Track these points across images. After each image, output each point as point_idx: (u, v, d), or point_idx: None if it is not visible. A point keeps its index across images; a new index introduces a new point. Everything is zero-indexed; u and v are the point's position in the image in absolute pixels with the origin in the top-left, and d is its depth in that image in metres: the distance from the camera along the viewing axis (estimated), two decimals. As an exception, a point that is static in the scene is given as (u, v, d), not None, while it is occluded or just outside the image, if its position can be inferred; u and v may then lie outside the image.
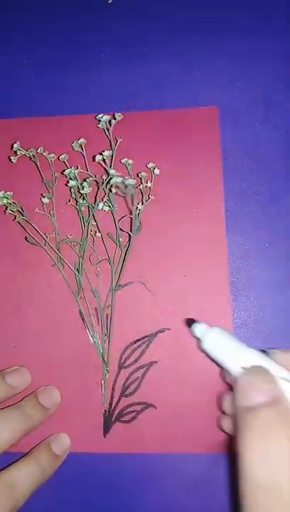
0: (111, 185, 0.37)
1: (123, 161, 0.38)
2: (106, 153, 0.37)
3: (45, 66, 0.43)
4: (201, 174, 0.40)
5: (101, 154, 0.37)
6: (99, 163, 0.37)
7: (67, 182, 0.38)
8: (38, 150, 0.40)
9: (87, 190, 0.37)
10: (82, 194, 0.38)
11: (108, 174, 0.37)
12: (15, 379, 0.38)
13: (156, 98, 0.42)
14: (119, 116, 0.38)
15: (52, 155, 0.40)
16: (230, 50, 0.42)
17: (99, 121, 0.39)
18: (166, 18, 0.43)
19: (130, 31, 0.43)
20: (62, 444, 0.39)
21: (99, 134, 0.40)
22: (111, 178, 0.37)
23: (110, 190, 0.37)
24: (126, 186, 0.37)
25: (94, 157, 0.38)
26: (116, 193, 0.37)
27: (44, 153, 0.40)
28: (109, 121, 0.38)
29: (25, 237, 0.40)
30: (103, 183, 0.38)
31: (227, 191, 0.40)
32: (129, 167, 0.38)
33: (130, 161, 0.38)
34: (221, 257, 0.40)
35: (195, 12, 0.43)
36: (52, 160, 0.40)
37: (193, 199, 0.40)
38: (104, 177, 0.38)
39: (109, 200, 0.37)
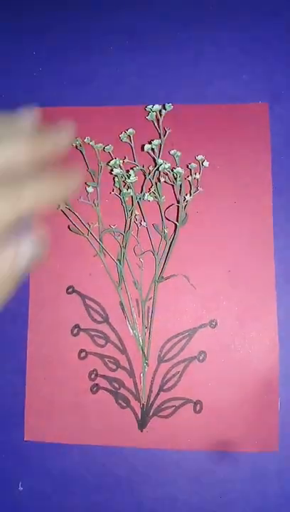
0: (159, 175, 0.37)
1: (171, 152, 0.38)
2: (156, 141, 0.36)
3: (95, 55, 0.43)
4: (250, 169, 0.40)
5: (150, 143, 0.37)
6: (147, 152, 0.37)
7: (112, 170, 0.37)
8: (85, 139, 0.40)
9: (133, 179, 0.37)
10: (126, 183, 0.38)
11: (155, 164, 0.37)
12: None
13: (205, 91, 0.41)
14: (169, 106, 0.38)
15: (99, 145, 0.39)
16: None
17: (149, 112, 0.38)
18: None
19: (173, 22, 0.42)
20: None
21: (146, 126, 0.40)
22: (159, 167, 0.36)
23: (158, 179, 0.37)
24: (174, 175, 0.36)
25: (142, 146, 0.38)
26: (164, 181, 0.37)
27: (90, 143, 0.39)
28: (160, 111, 0.38)
29: (68, 226, 0.39)
30: (150, 173, 0.37)
31: (275, 186, 0.39)
32: (177, 158, 0.38)
33: (178, 153, 0.38)
34: (267, 252, 0.39)
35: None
36: (99, 150, 0.40)
37: (241, 193, 0.40)
38: (151, 167, 0.38)
39: (157, 190, 0.37)
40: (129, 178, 0.37)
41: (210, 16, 0.42)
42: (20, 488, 0.38)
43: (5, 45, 0.43)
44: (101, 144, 0.40)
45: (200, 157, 0.38)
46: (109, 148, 0.39)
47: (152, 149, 0.37)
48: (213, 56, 0.41)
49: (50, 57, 0.43)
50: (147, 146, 0.37)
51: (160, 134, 0.38)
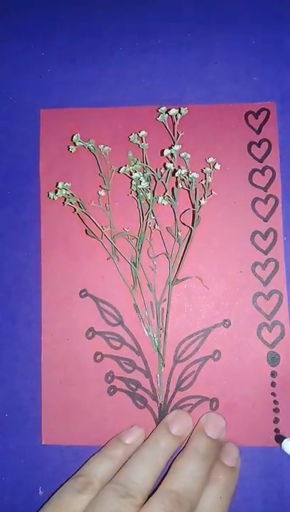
0: (177, 180, 0.37)
1: (182, 154, 0.38)
2: (176, 147, 0.36)
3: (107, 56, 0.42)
4: (258, 169, 0.40)
5: (170, 148, 0.37)
6: (167, 157, 0.37)
7: (130, 173, 0.37)
8: (89, 141, 0.39)
9: (144, 185, 0.37)
10: (140, 188, 0.38)
11: (165, 168, 0.37)
12: (178, 428, 0.37)
13: (209, 92, 0.41)
14: (185, 110, 0.38)
15: (106, 148, 0.39)
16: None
17: (160, 114, 0.38)
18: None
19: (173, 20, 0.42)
20: (232, 453, 0.37)
21: (156, 127, 0.40)
22: (172, 171, 0.36)
23: (176, 184, 0.37)
24: (189, 180, 0.37)
25: (162, 151, 0.38)
26: (182, 187, 0.37)
27: (100, 146, 0.39)
28: (175, 115, 0.38)
29: (86, 231, 0.39)
30: (161, 176, 0.37)
31: (285, 188, 0.40)
32: (187, 160, 0.38)
33: (188, 155, 0.38)
34: (278, 252, 0.40)
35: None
36: (107, 153, 0.39)
37: (251, 193, 0.40)
38: (163, 171, 0.38)
39: (172, 194, 0.37)
40: (140, 183, 0.37)
41: (220, 16, 0.41)
42: (41, 493, 0.39)
43: (13, 46, 0.42)
44: (108, 147, 0.39)
45: (211, 159, 0.39)
46: (107, 149, 0.39)
47: (171, 154, 0.37)
48: (223, 56, 0.41)
49: (59, 59, 0.42)
50: (167, 152, 0.37)
51: (173, 138, 0.39)
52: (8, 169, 0.41)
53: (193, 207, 0.38)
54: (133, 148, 0.39)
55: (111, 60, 0.42)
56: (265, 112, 0.41)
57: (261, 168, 0.40)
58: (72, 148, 0.39)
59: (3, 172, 0.41)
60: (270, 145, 0.41)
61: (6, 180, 0.41)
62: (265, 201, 0.40)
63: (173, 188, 0.37)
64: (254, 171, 0.40)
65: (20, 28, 0.42)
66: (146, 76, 0.41)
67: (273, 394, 0.39)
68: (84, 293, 0.40)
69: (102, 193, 0.39)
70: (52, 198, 0.39)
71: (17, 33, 0.42)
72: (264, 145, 0.41)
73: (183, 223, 0.39)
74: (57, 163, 0.41)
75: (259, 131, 0.41)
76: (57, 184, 0.38)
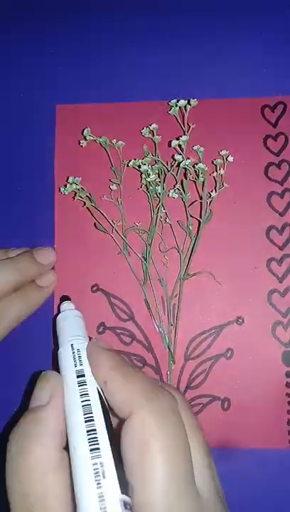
0: (185, 172, 0.36)
1: (195, 147, 0.37)
2: (183, 138, 0.36)
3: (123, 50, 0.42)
4: (275, 163, 0.39)
5: (177, 139, 0.36)
6: (174, 148, 0.37)
7: (139, 167, 0.37)
8: (101, 138, 0.39)
9: (152, 177, 0.37)
10: (149, 182, 0.37)
11: (174, 160, 0.37)
12: (43, 257, 0.38)
13: (223, 84, 0.41)
14: (194, 102, 0.37)
15: (120, 142, 0.39)
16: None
17: (171, 107, 0.38)
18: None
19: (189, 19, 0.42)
20: (48, 277, 0.39)
21: (167, 121, 0.39)
22: (180, 163, 0.36)
23: (185, 176, 0.37)
24: (196, 171, 0.36)
25: (169, 142, 0.37)
26: (190, 180, 0.36)
27: (113, 141, 0.39)
28: (185, 106, 0.37)
29: (95, 224, 0.39)
30: (172, 168, 0.37)
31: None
32: (200, 154, 0.37)
33: (201, 148, 0.37)
34: (293, 248, 0.38)
35: None
36: (121, 147, 0.39)
37: (266, 188, 0.39)
38: (174, 163, 0.38)
39: (182, 187, 0.37)
40: (148, 176, 0.37)
41: (230, 6, 0.41)
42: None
43: (23, 44, 0.43)
44: (121, 142, 0.39)
45: (223, 152, 0.38)
46: (120, 144, 0.39)
47: (179, 145, 0.36)
48: (235, 48, 0.41)
49: (69, 55, 0.42)
50: (174, 142, 0.36)
51: (184, 130, 0.38)
52: (23, 164, 0.42)
53: (201, 199, 0.37)
54: (148, 143, 0.39)
55: (122, 54, 0.42)
56: (282, 106, 0.40)
57: (277, 162, 0.39)
58: (83, 143, 0.40)
59: (19, 166, 0.42)
60: (287, 139, 0.40)
61: (22, 175, 0.41)
62: (281, 195, 0.39)
63: (182, 180, 0.37)
64: (270, 164, 0.39)
65: (28, 26, 0.43)
66: (159, 70, 0.41)
67: (287, 394, 0.37)
68: (95, 288, 0.40)
69: (114, 187, 0.39)
70: (62, 192, 0.39)
71: (25, 30, 0.43)
72: (281, 139, 0.40)
73: (193, 217, 0.38)
74: (72, 158, 0.41)
75: (275, 125, 0.40)
76: (67, 179, 0.39)
